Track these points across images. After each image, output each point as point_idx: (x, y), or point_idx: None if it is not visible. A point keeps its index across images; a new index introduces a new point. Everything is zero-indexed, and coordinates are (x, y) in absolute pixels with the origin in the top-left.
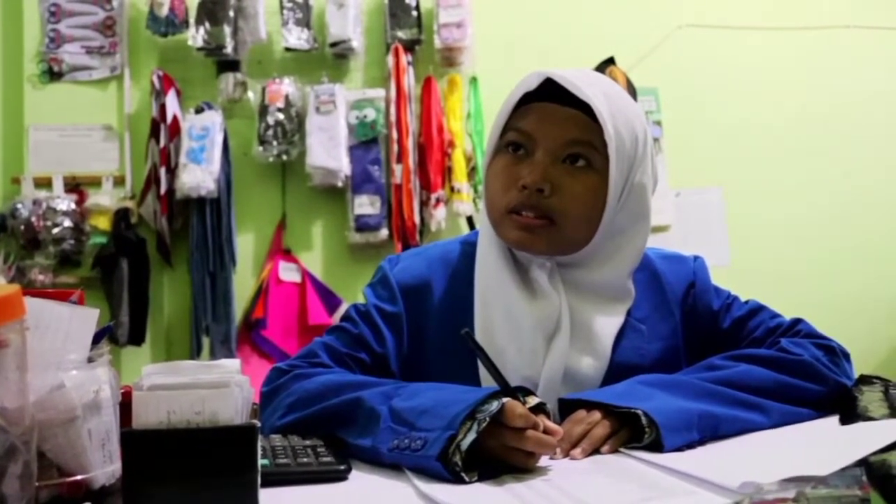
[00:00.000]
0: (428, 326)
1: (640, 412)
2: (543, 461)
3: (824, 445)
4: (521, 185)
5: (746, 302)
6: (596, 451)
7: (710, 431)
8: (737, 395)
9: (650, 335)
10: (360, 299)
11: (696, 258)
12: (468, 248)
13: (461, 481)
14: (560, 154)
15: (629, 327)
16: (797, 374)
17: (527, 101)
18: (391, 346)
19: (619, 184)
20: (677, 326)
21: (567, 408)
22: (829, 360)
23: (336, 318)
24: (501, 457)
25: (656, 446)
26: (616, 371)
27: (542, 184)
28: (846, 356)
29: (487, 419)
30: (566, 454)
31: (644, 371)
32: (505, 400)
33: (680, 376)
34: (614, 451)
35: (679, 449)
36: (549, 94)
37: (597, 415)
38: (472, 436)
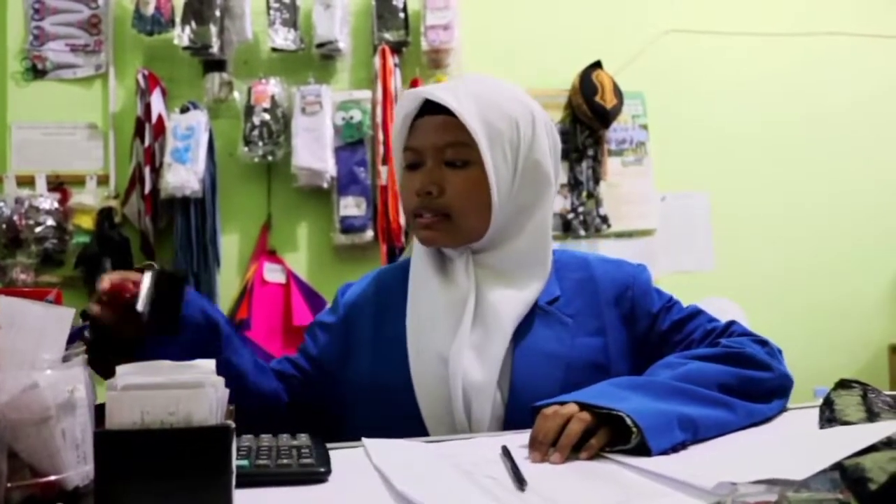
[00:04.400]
0: (363, 334)
1: (623, 414)
2: (520, 463)
3: (800, 448)
4: (415, 191)
5: (687, 307)
6: (576, 450)
7: (692, 433)
8: (703, 393)
9: (576, 329)
10: None
11: (638, 265)
12: (405, 267)
13: None
14: (441, 158)
15: (553, 318)
16: (744, 364)
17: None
18: (325, 347)
19: (506, 168)
20: (605, 325)
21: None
22: (766, 352)
23: None
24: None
25: (641, 449)
26: (535, 356)
27: (429, 187)
28: (780, 351)
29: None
30: (543, 456)
31: (567, 361)
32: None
33: (647, 378)
34: (596, 453)
35: (665, 452)
36: (430, 108)
37: (573, 406)
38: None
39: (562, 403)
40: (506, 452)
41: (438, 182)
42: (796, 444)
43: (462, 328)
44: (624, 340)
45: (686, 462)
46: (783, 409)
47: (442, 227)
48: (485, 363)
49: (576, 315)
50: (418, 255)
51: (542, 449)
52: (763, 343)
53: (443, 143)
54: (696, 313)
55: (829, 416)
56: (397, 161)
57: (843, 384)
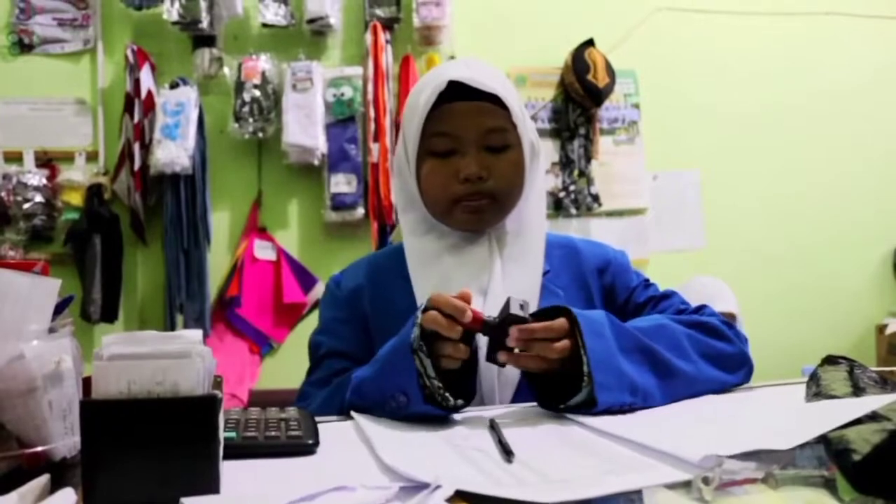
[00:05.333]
0: (369, 317)
1: (586, 378)
2: (507, 436)
3: (785, 420)
4: (464, 177)
5: (663, 290)
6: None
7: (641, 399)
8: (671, 363)
9: (567, 301)
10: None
11: (619, 249)
12: (395, 252)
13: (454, 407)
14: (484, 143)
15: (547, 290)
16: (708, 333)
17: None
18: (353, 341)
19: (528, 149)
20: (592, 295)
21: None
22: (733, 333)
23: (311, 297)
24: (444, 357)
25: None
26: None
27: (481, 172)
28: (745, 339)
29: (418, 341)
30: (517, 346)
31: None
32: (418, 314)
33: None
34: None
35: (609, 409)
36: (453, 93)
37: (565, 325)
38: (427, 361)
39: (568, 315)
40: (493, 425)
41: (487, 166)
42: (782, 416)
43: (490, 297)
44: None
45: (672, 434)
46: (740, 384)
47: (490, 209)
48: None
49: (565, 288)
50: (422, 239)
51: (520, 340)
52: (729, 325)
53: (486, 128)
54: (671, 294)
55: (816, 390)
56: (412, 147)
57: (829, 360)
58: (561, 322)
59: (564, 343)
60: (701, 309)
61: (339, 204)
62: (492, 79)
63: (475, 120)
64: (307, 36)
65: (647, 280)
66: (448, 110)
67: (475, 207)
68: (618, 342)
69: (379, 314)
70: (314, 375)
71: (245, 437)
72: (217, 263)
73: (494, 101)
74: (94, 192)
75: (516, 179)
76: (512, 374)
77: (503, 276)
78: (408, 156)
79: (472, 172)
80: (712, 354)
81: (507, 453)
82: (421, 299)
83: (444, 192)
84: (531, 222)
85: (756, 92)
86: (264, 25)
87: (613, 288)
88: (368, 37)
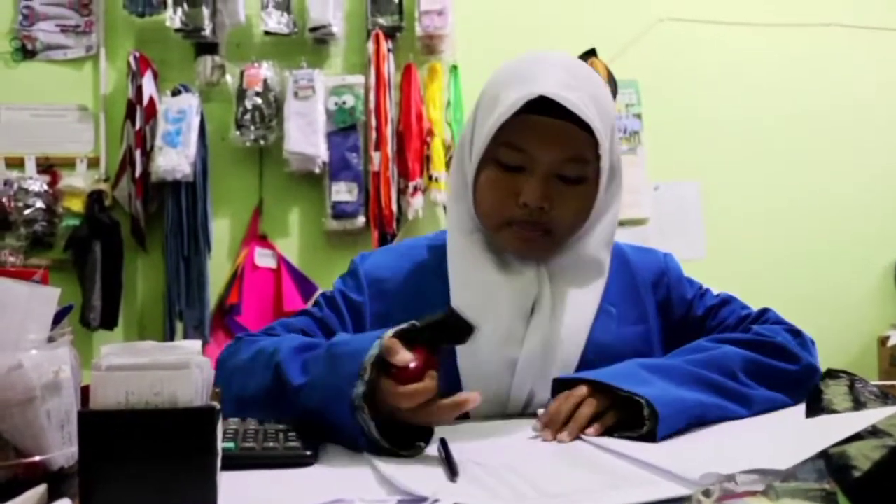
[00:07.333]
0: (393, 316)
1: (643, 402)
2: (507, 449)
3: (786, 437)
4: (523, 202)
5: (718, 294)
6: (586, 428)
7: (697, 420)
8: (721, 383)
9: (620, 318)
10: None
11: (666, 253)
12: (436, 246)
13: (389, 449)
14: (557, 170)
15: (600, 309)
16: (773, 354)
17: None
18: (349, 326)
19: (605, 181)
20: (647, 312)
21: (562, 387)
22: (798, 343)
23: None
24: (396, 414)
25: (648, 434)
26: (588, 350)
27: (542, 202)
28: (812, 342)
29: (368, 367)
30: (553, 436)
31: (614, 351)
32: (384, 341)
33: (675, 361)
34: (602, 432)
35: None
36: (540, 104)
37: (583, 390)
38: (361, 387)
39: (583, 380)
40: (443, 444)
41: (552, 196)
42: (783, 433)
43: (537, 327)
44: (659, 328)
45: (672, 451)
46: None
47: (542, 242)
48: (556, 365)
49: (618, 304)
50: (467, 243)
51: (552, 429)
52: (796, 333)
53: (565, 156)
54: (728, 300)
55: (817, 405)
56: (480, 144)
57: (830, 374)
58: (573, 392)
59: (588, 406)
60: (763, 314)
61: (340, 212)
62: (587, 99)
63: (555, 144)
64: (309, 44)
65: (700, 287)
66: (529, 122)
67: (527, 237)
68: (664, 379)
69: (408, 309)
70: (291, 320)
71: (243, 448)
72: (217, 271)
73: (583, 124)
74: (94, 198)
75: (580, 216)
76: (540, 397)
77: (553, 301)
78: (473, 148)
79: (532, 200)
80: (775, 382)
81: (453, 473)
82: (456, 304)
83: (499, 209)
84: (594, 246)
85: (758, 103)
86: (267, 33)
87: (670, 302)
88: (370, 45)
